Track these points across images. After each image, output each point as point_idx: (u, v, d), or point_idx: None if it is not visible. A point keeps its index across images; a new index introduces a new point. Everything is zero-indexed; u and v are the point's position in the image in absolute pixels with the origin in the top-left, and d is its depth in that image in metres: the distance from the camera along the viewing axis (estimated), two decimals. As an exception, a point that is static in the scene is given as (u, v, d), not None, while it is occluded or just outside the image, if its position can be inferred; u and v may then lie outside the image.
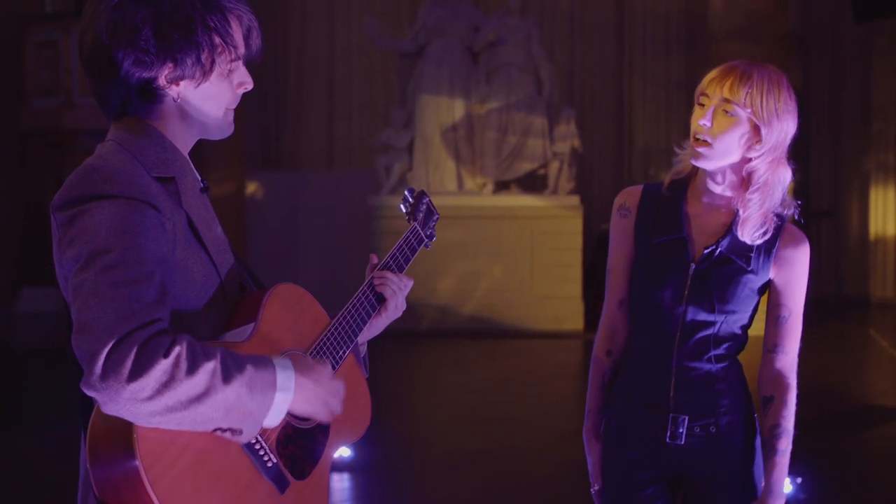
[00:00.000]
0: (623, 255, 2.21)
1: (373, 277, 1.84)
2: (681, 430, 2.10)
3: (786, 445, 2.13)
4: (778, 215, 2.10)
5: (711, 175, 2.09)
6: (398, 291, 1.84)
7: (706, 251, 2.08)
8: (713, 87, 2.03)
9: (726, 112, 2.01)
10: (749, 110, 2.00)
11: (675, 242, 2.11)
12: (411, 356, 9.27)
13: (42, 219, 10.16)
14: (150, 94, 1.53)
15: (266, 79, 13.42)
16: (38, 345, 9.21)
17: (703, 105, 2.05)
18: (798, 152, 2.15)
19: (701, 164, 2.06)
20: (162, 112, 1.56)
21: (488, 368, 8.69)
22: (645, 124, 14.58)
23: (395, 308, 1.85)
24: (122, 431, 1.32)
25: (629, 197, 2.21)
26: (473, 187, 11.66)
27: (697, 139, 2.03)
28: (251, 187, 12.14)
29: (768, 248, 2.09)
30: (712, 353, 2.11)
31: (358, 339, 1.76)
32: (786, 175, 2.06)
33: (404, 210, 2.03)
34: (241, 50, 1.59)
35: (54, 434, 6.02)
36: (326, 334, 1.67)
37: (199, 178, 1.62)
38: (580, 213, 11.24)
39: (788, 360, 2.16)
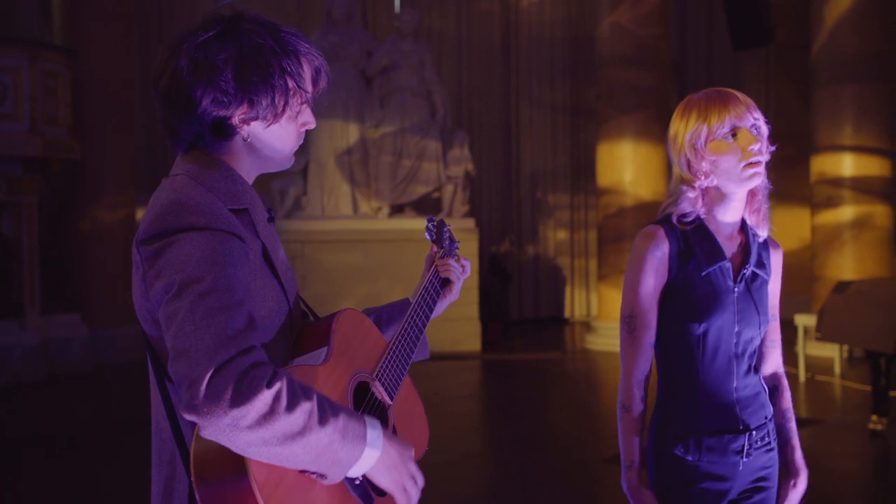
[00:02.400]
0: (655, 296, 2.22)
1: (436, 266, 2.01)
2: (752, 444, 2.22)
3: (795, 425, 2.36)
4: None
5: (738, 198, 2.20)
6: (461, 276, 2.06)
7: (743, 271, 2.22)
8: (741, 113, 2.13)
9: (759, 130, 2.17)
10: (763, 125, 2.18)
11: (721, 269, 2.20)
12: (313, 381, 9.16)
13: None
14: (223, 132, 1.56)
15: (150, 100, 13.12)
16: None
17: (736, 137, 2.13)
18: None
19: (755, 182, 2.16)
20: (230, 148, 1.59)
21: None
22: (532, 148, 14.92)
23: (457, 291, 2.07)
24: (234, 458, 1.36)
25: (657, 237, 2.20)
26: (369, 211, 11.70)
27: (753, 162, 2.12)
28: (140, 213, 11.85)
29: (768, 258, 2.30)
30: (754, 364, 2.28)
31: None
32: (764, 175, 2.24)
33: (430, 238, 2.13)
34: (310, 92, 1.64)
35: None
36: (388, 356, 1.74)
37: (266, 209, 1.66)
38: (476, 236, 11.41)
39: (780, 351, 2.40)
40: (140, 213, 11.82)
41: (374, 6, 14.22)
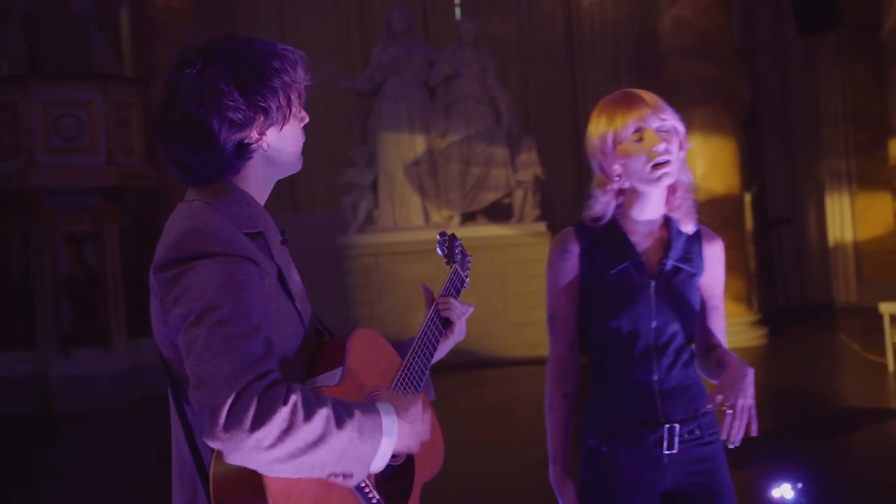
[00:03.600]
0: (570, 297, 2.29)
1: (437, 304, 1.93)
2: (675, 438, 2.20)
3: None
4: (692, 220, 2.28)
5: (654, 196, 2.23)
6: (462, 315, 1.96)
7: (659, 266, 2.23)
8: (645, 115, 2.17)
9: (667, 131, 2.19)
10: (675, 120, 2.20)
11: (632, 266, 2.23)
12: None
13: (6, 279, 10.21)
14: (244, 153, 1.57)
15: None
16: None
17: (642, 139, 2.18)
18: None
19: (665, 183, 2.20)
20: (250, 166, 1.60)
21: (475, 397, 8.72)
22: (602, 147, 14.76)
23: (459, 332, 1.96)
24: (251, 479, 1.38)
25: (566, 240, 2.29)
26: (440, 220, 11.73)
27: (658, 163, 2.16)
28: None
29: (698, 251, 2.28)
30: (683, 358, 2.25)
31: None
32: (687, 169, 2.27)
33: (441, 253, 2.13)
34: (302, 84, 1.65)
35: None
36: (404, 370, 1.75)
37: (280, 230, 1.68)
38: (547, 240, 11.33)
39: (722, 334, 2.34)
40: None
41: (434, 16, 14.31)
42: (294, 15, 14.23)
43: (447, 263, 2.11)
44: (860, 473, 5.51)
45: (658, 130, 2.17)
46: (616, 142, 2.20)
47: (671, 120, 2.19)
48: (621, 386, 2.24)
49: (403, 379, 1.73)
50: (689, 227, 2.28)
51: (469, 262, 2.17)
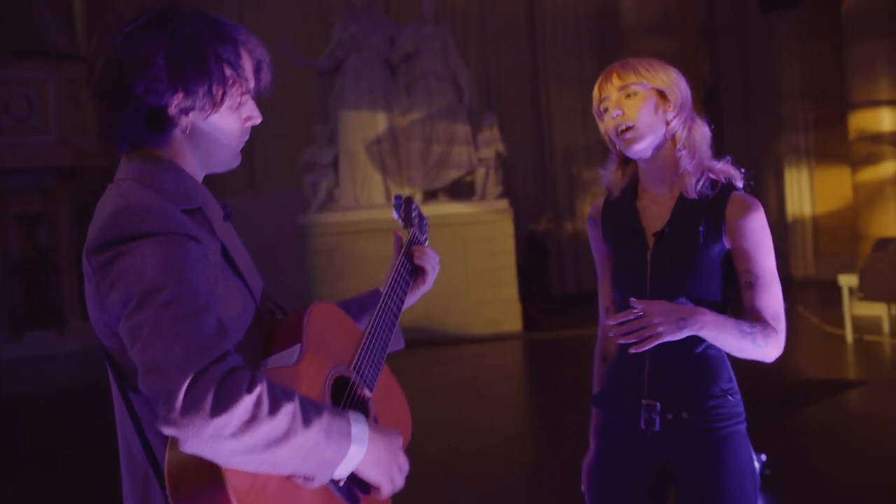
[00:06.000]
0: (602, 263, 2.35)
1: (413, 250, 1.89)
2: (654, 416, 2.12)
3: (749, 330, 2.05)
4: (723, 184, 2.15)
5: (648, 161, 2.18)
6: (436, 265, 1.93)
7: (656, 236, 2.15)
8: (606, 89, 2.16)
9: (629, 96, 2.13)
10: (645, 82, 2.13)
11: (631, 235, 2.20)
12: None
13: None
14: (160, 123, 1.51)
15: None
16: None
17: (607, 109, 2.17)
18: (713, 139, 2.27)
19: (635, 148, 2.14)
20: (170, 142, 1.53)
21: (438, 375, 8.69)
22: (563, 123, 14.78)
23: (430, 281, 1.93)
24: (209, 468, 1.30)
25: (594, 209, 2.36)
26: (402, 198, 11.64)
27: (620, 131, 2.13)
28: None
29: (717, 220, 2.11)
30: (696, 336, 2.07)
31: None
32: (704, 130, 2.20)
33: (397, 217, 2.06)
34: (252, 84, 1.58)
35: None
36: (366, 342, 1.68)
37: (222, 206, 1.61)
38: (510, 217, 11.32)
39: (768, 316, 2.10)
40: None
41: (395, -7, 14.16)
42: (252, -10, 14.02)
43: (404, 227, 2.05)
44: (821, 445, 5.56)
45: (623, 98, 2.13)
46: (597, 113, 2.23)
47: (639, 85, 2.12)
48: (621, 358, 2.23)
49: (365, 353, 1.66)
50: (702, 190, 2.14)
51: (427, 225, 2.11)
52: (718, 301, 2.13)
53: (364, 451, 1.43)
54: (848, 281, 8.99)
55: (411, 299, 1.91)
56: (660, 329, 1.93)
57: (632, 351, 1.98)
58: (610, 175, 2.28)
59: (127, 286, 1.34)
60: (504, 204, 11.42)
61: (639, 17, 11.09)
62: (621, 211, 2.25)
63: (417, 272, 1.91)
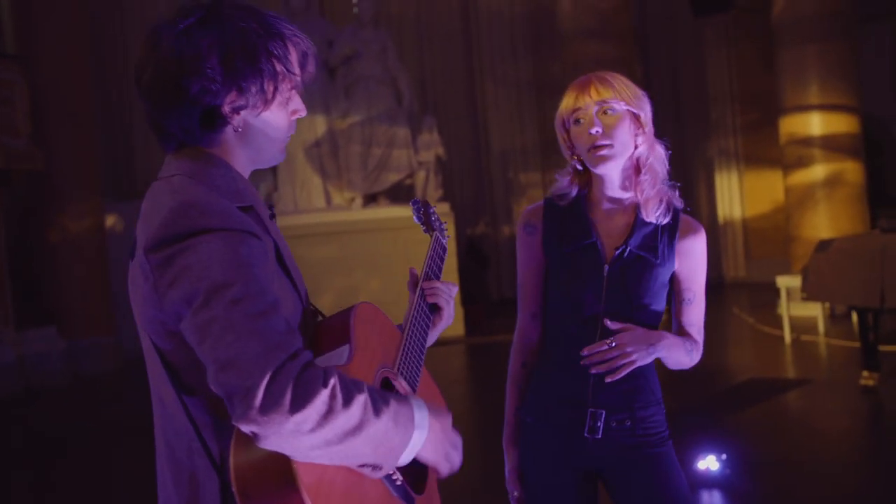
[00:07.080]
0: (533, 270, 2.33)
1: (423, 289, 1.86)
2: (598, 424, 2.19)
3: (690, 347, 2.23)
4: (673, 206, 2.25)
5: (611, 178, 2.22)
6: (450, 299, 1.89)
7: (616, 252, 2.20)
8: (583, 100, 2.18)
9: (607, 112, 2.17)
10: (623, 103, 2.16)
11: (587, 248, 2.22)
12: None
13: None
14: (213, 123, 1.48)
15: (111, 105, 12.91)
16: None
17: (579, 121, 2.19)
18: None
19: (608, 166, 2.18)
20: (222, 141, 1.51)
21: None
22: (500, 126, 14.86)
23: (448, 316, 1.90)
24: (280, 466, 1.30)
25: (533, 215, 2.33)
26: (342, 202, 11.58)
27: (596, 146, 2.16)
28: (110, 220, 11.64)
29: (670, 241, 2.23)
30: None
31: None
32: (661, 151, 2.26)
33: (419, 221, 2.08)
34: (299, 77, 1.55)
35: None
36: (404, 348, 1.69)
37: (268, 205, 1.59)
38: (451, 220, 11.32)
39: (695, 329, 2.29)
40: (110, 221, 11.62)
41: (331, -6, 14.06)
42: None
43: (426, 231, 2.05)
44: (770, 442, 5.68)
45: (601, 114, 2.16)
46: (567, 124, 2.23)
47: (618, 103, 2.16)
48: (561, 365, 2.24)
49: (406, 352, 1.68)
50: (660, 216, 2.22)
51: (445, 227, 2.12)
52: (660, 312, 2.26)
53: (425, 436, 1.44)
54: (786, 282, 9.22)
55: (433, 336, 1.90)
56: (633, 357, 2.10)
57: (608, 380, 2.11)
58: (565, 182, 2.29)
59: (192, 283, 1.31)
60: (445, 207, 11.43)
61: (577, 21, 11.20)
62: (573, 221, 2.26)
63: (434, 309, 1.90)
